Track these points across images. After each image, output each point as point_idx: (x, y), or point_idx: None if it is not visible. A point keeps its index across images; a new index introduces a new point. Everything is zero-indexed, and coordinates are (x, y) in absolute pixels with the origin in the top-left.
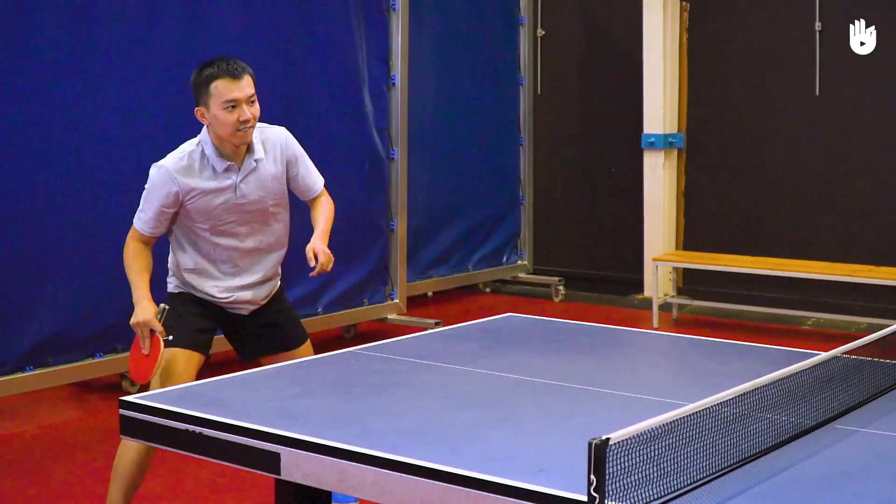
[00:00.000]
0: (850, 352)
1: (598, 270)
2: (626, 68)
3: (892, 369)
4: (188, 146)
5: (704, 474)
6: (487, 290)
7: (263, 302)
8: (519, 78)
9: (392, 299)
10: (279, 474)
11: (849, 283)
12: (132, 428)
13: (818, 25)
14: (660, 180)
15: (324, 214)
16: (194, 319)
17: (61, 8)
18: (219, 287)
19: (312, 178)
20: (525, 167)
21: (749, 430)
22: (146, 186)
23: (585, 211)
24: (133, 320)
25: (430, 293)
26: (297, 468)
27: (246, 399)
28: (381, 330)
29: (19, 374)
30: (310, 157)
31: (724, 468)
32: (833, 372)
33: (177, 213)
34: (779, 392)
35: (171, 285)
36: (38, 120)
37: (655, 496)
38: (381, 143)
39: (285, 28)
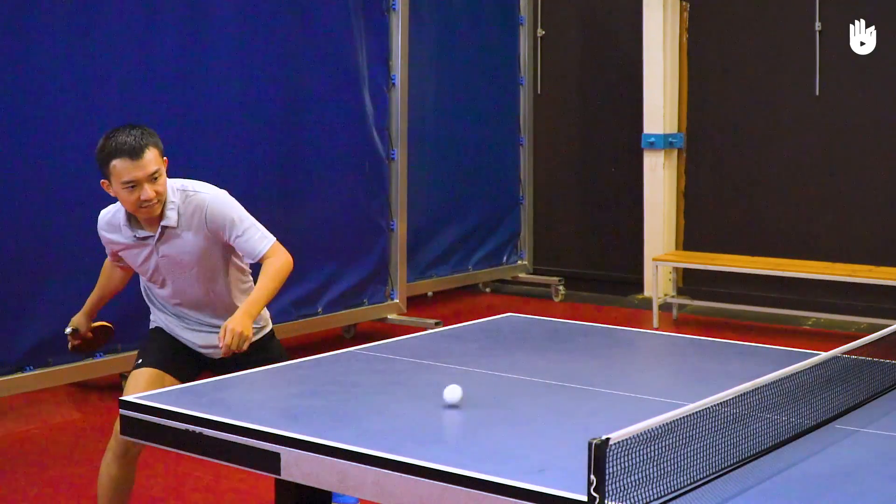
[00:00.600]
0: (850, 352)
1: (598, 270)
2: (626, 68)
3: (892, 369)
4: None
5: (704, 474)
6: (487, 290)
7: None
8: (519, 78)
9: (392, 299)
10: (279, 474)
11: (849, 283)
12: (132, 428)
13: (818, 25)
14: (660, 180)
15: (260, 282)
16: (168, 345)
17: (61, 9)
18: (185, 330)
19: (250, 243)
20: (525, 167)
21: (749, 430)
22: None
23: (585, 211)
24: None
25: (430, 293)
26: (297, 468)
27: (246, 399)
28: (381, 330)
29: (19, 374)
30: (309, 157)
31: (724, 468)
32: (833, 372)
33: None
34: (779, 392)
35: (151, 320)
36: (38, 120)
37: (655, 496)
38: (381, 143)
39: (285, 28)
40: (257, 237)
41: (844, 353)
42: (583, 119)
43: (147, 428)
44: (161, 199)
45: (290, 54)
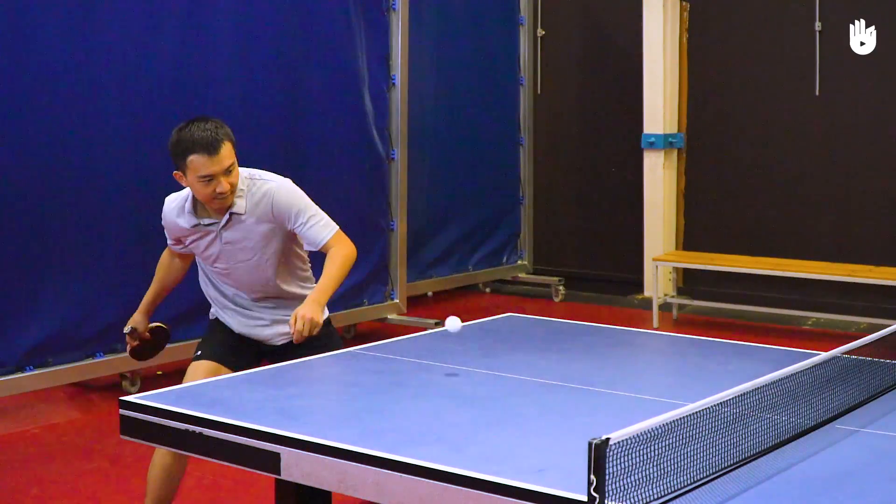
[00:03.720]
0: (850, 352)
1: (598, 270)
2: (626, 68)
3: (892, 369)
4: (188, 189)
5: (704, 474)
6: (487, 290)
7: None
8: (519, 78)
9: (392, 299)
10: (279, 474)
11: (849, 283)
12: (132, 428)
13: (818, 25)
14: (660, 180)
15: (327, 270)
16: (224, 337)
17: (63, 8)
18: (234, 321)
19: (314, 230)
20: (525, 167)
21: (749, 430)
22: None
23: (585, 211)
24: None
25: (430, 293)
26: (297, 468)
27: (246, 399)
28: (381, 330)
29: (19, 374)
30: (309, 157)
31: (724, 468)
32: (833, 372)
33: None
34: (779, 392)
35: (210, 312)
36: (38, 120)
37: (655, 496)
38: (381, 143)
39: (285, 28)
40: (321, 225)
41: (844, 353)
42: (583, 119)
43: (147, 428)
44: (233, 191)
45: (290, 54)
